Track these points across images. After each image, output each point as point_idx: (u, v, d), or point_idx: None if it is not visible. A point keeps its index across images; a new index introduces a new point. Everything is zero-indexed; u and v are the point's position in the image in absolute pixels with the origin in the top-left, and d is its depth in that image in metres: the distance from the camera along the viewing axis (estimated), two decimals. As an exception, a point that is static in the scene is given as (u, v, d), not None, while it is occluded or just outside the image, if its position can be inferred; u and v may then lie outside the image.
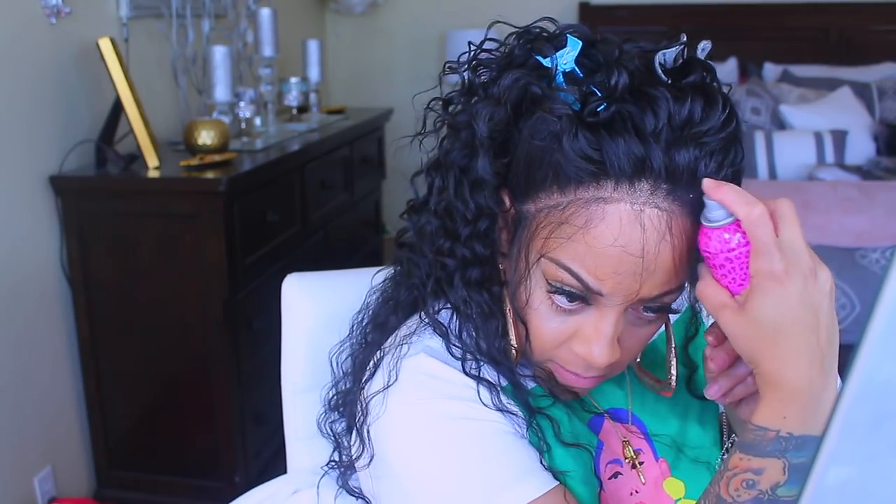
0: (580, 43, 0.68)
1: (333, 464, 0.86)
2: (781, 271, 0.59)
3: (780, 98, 3.55)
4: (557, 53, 0.68)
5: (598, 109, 0.64)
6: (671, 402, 0.82)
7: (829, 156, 3.27)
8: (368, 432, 0.74)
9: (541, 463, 0.72)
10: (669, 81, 0.65)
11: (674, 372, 0.76)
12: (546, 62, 0.68)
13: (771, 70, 3.82)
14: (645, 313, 0.69)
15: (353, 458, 0.78)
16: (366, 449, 0.75)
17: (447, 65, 0.74)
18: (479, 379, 0.73)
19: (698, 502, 0.66)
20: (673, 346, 0.77)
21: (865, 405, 0.40)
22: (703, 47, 0.67)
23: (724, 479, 0.63)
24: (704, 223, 0.64)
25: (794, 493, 0.61)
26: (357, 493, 0.83)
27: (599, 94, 0.65)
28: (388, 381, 0.74)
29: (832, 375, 0.61)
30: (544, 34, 0.70)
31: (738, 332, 0.62)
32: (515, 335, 0.73)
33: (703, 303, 0.66)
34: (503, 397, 0.73)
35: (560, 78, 0.67)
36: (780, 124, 3.48)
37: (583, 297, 0.67)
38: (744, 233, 0.62)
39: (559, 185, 0.66)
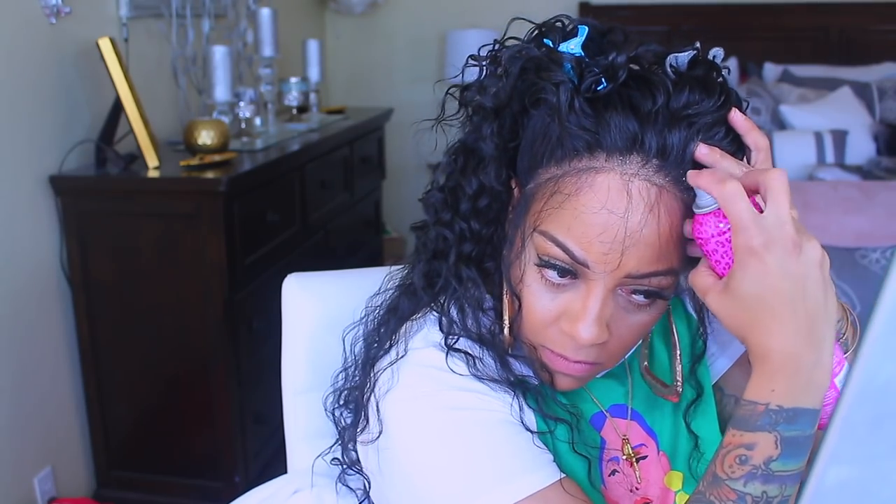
0: (587, 29, 0.70)
1: (336, 461, 0.86)
2: (760, 245, 0.60)
3: (780, 98, 3.55)
4: (567, 41, 0.70)
5: (599, 88, 0.66)
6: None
7: (830, 156, 3.27)
8: (378, 407, 0.75)
9: (543, 451, 0.72)
10: (674, 77, 0.67)
11: (679, 378, 0.77)
12: (558, 47, 0.70)
13: (771, 70, 3.81)
14: (635, 297, 0.69)
15: (358, 432, 0.78)
16: (370, 423, 0.76)
17: (470, 57, 0.75)
18: (466, 354, 0.74)
19: (699, 483, 0.66)
20: (678, 352, 0.77)
21: (865, 405, 0.40)
22: (715, 54, 0.70)
23: (718, 457, 0.64)
24: (695, 210, 0.66)
25: (789, 468, 0.61)
26: (357, 470, 0.83)
27: (598, 71, 0.67)
28: (398, 356, 0.75)
29: (824, 346, 0.61)
30: (557, 24, 0.72)
31: (723, 311, 0.64)
32: (509, 313, 0.74)
33: (694, 289, 0.67)
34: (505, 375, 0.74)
35: (568, 66, 0.68)
36: (781, 124, 3.48)
37: (571, 271, 0.68)
38: None
39: (556, 159, 0.69)
